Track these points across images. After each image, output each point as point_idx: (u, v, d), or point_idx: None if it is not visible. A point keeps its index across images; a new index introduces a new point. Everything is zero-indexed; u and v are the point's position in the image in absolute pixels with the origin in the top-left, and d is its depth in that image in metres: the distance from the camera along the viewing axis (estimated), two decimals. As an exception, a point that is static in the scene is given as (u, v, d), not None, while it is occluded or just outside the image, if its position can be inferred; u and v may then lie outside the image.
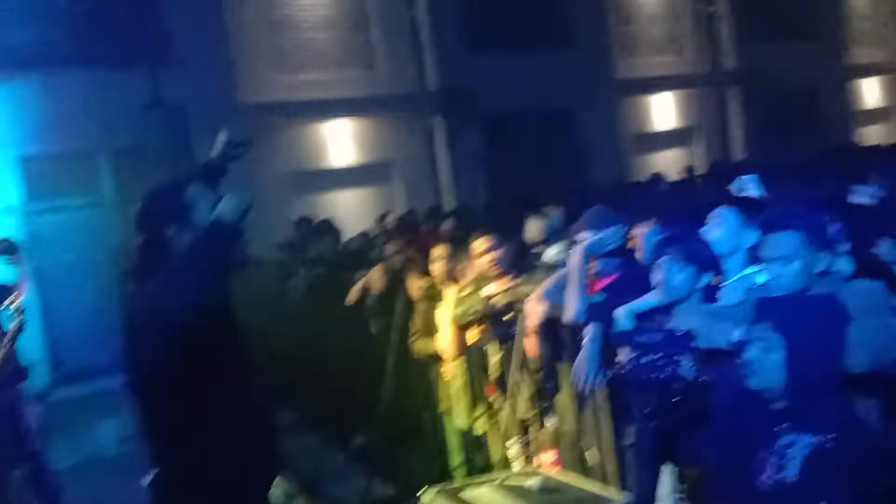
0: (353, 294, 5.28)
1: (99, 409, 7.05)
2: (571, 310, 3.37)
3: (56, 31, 8.37)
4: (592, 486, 3.10)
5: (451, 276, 4.41)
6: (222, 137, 2.85)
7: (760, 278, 2.65)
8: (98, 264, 8.55)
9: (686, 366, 2.30)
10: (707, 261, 2.96)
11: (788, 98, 13.28)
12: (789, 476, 2.12)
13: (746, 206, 3.17)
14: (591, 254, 3.42)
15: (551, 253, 4.19)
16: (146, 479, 2.55)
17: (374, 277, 5.19)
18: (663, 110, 13.11)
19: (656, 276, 2.97)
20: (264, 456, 2.65)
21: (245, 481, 2.52)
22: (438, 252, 4.47)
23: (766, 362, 2.17)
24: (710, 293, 2.95)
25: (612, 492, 3.06)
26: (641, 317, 2.95)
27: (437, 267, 4.45)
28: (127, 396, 2.58)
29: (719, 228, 3.11)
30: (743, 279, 2.84)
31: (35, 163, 8.29)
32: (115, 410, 6.41)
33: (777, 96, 12.93)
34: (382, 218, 7.61)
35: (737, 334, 2.61)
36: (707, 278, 2.95)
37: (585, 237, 3.45)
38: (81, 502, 5.29)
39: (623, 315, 2.98)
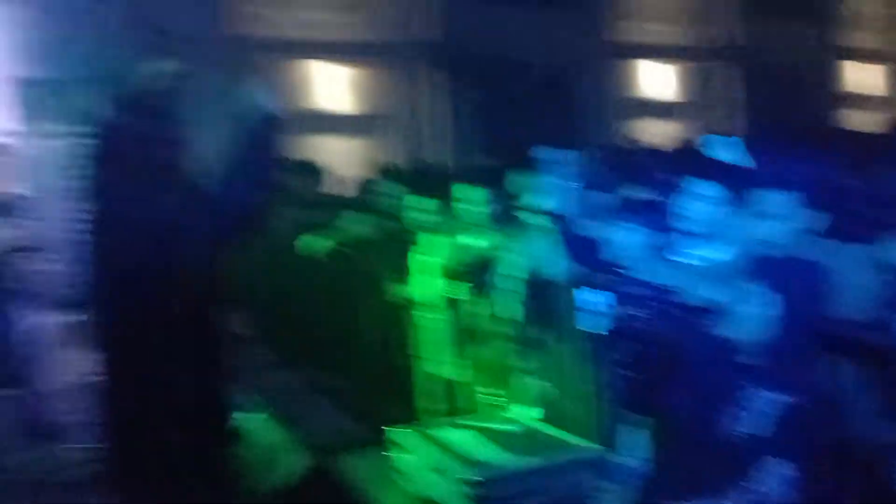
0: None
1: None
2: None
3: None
4: (568, 436, 3.15)
5: (434, 225, 4.41)
6: None
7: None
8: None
9: (664, 317, 2.33)
10: (654, 224, 2.99)
11: (783, 76, 13.24)
12: (749, 430, 2.17)
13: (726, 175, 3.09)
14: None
15: None
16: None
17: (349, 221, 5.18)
18: (659, 79, 13.05)
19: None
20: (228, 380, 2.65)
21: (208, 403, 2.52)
22: (423, 201, 4.46)
23: (750, 318, 2.20)
24: (664, 255, 2.98)
25: (586, 442, 3.11)
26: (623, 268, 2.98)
27: (421, 215, 4.45)
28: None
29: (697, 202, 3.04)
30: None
31: (34, 87, 8.15)
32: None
33: (772, 74, 12.90)
34: (379, 168, 7.50)
35: (715, 291, 2.65)
36: (655, 238, 2.97)
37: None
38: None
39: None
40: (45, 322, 5.58)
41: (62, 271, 8.23)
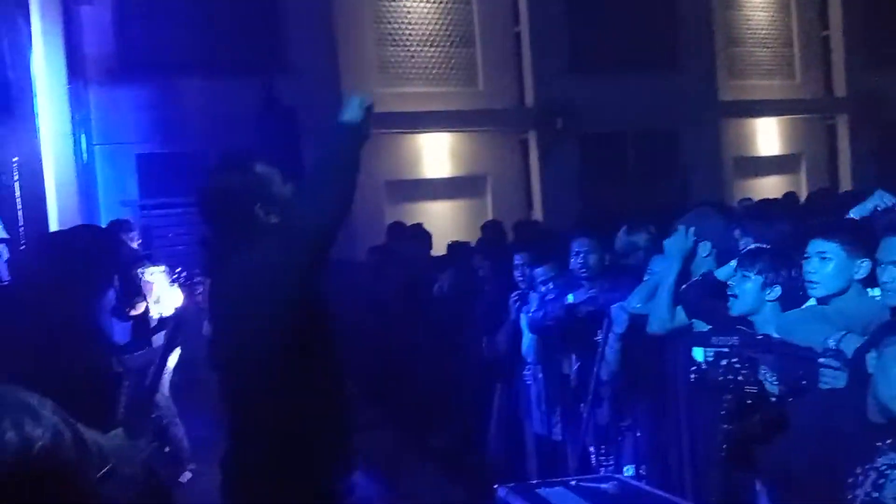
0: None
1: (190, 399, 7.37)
2: (657, 319, 3.36)
3: (181, 39, 8.93)
4: (669, 496, 3.08)
5: (534, 282, 4.45)
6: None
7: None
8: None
9: (763, 369, 2.27)
10: (777, 275, 2.90)
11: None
12: (887, 496, 2.04)
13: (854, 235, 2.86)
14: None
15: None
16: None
17: (447, 283, 5.29)
18: (768, 135, 12.73)
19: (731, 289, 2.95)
20: (340, 445, 2.64)
21: (318, 466, 2.51)
22: (523, 258, 4.53)
23: (870, 371, 2.07)
24: (784, 306, 2.88)
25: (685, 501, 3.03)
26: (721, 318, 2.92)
27: (520, 273, 4.51)
28: (217, 373, 2.65)
29: (823, 263, 2.82)
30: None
31: (151, 160, 8.83)
32: (206, 402, 6.70)
33: (890, 125, 12.33)
34: (484, 227, 7.63)
35: (833, 340, 2.52)
36: (776, 292, 2.89)
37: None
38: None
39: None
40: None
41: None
